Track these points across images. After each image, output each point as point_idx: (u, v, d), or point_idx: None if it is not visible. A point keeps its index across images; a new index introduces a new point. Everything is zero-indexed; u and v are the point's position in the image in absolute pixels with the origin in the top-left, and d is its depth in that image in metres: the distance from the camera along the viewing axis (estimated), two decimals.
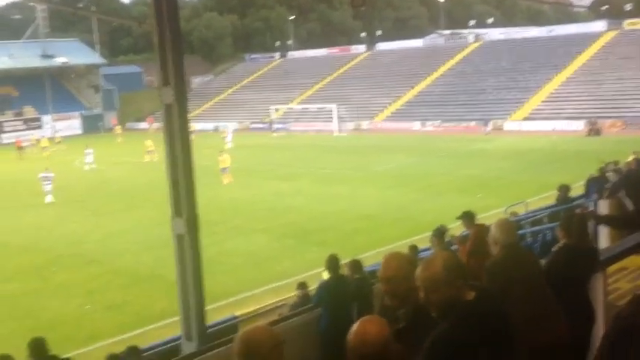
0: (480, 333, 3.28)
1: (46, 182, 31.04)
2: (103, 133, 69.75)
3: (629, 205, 9.44)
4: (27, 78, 71.86)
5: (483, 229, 8.26)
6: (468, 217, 9.74)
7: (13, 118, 69.38)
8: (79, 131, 71.87)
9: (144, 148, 43.14)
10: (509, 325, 3.48)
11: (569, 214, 6.72)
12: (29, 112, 70.67)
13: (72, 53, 75.05)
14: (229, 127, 54.11)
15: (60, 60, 73.12)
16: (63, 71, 75.93)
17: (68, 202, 30.64)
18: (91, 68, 77.03)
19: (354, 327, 3.08)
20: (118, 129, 63.86)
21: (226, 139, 48.72)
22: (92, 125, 72.29)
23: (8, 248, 23.03)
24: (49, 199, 30.68)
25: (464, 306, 3.31)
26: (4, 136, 66.38)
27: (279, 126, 61.04)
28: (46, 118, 70.77)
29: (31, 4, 72.15)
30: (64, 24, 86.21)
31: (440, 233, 9.96)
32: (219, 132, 53.17)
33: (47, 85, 71.87)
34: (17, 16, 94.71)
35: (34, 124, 69.60)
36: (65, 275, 19.42)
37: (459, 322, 3.26)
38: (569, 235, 5.59)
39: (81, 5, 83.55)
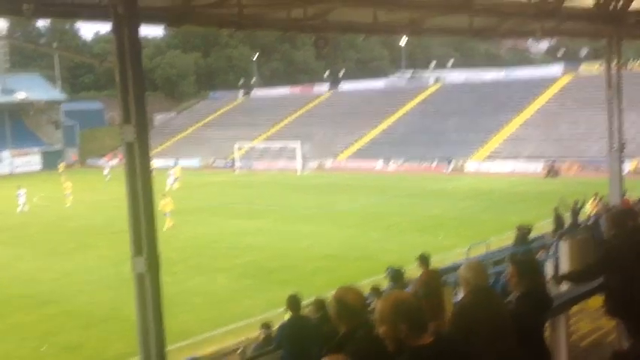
0: None
1: None
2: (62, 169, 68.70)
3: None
4: None
5: (432, 274, 8.28)
6: (422, 259, 9.84)
7: None
8: (39, 167, 70.69)
9: (63, 190, 41.32)
10: None
11: (519, 259, 6.65)
12: None
13: (32, 89, 74.13)
14: (175, 169, 48.83)
15: (20, 95, 72.14)
16: (23, 107, 74.82)
17: (21, 242, 30.01)
18: (52, 104, 76.06)
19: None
20: (61, 167, 61.74)
21: (168, 182, 45.17)
22: (52, 161, 71.05)
23: None
24: None
25: (417, 350, 3.38)
26: None
27: (242, 164, 60.94)
28: (5, 154, 69.50)
29: None
30: (24, 59, 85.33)
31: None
32: (168, 170, 47.81)
33: (6, 120, 70.75)
34: None
35: None
36: (19, 316, 18.85)
37: None
38: (528, 283, 5.41)
39: (42, 41, 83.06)
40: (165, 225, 28.84)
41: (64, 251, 27.53)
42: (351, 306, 3.96)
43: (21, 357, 15.63)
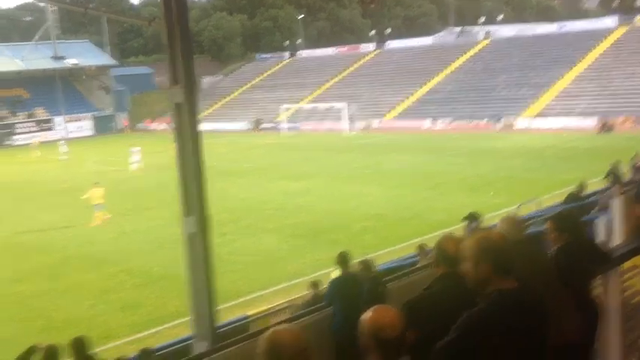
0: (514, 323, 3.36)
1: None
2: (113, 134, 70.09)
3: None
4: (38, 80, 72.29)
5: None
6: (471, 216, 9.76)
7: (25, 120, 69.78)
8: (91, 132, 72.26)
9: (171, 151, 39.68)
10: (543, 324, 3.51)
11: (558, 214, 6.56)
12: (41, 113, 71.09)
13: (82, 55, 75.37)
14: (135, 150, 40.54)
15: (71, 61, 73.43)
16: (74, 73, 76.27)
17: (81, 203, 30.77)
18: (102, 69, 77.30)
19: (368, 314, 3.10)
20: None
21: (131, 159, 40.38)
22: (104, 126, 72.60)
23: (20, 248, 23.16)
24: None
25: (501, 294, 3.39)
26: (16, 137, 66.67)
27: (289, 125, 61.08)
28: (58, 120, 71.14)
29: (42, 5, 72.39)
30: (74, 26, 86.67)
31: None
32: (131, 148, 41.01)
33: (58, 86, 72.24)
34: (28, 18, 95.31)
35: (46, 125, 69.99)
36: (77, 276, 19.48)
37: (493, 309, 3.35)
38: (567, 236, 5.41)
39: (91, 6, 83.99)
40: (95, 219, 26.03)
41: (121, 212, 28.19)
42: (444, 252, 4.15)
43: (79, 314, 16.15)
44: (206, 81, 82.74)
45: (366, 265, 8.75)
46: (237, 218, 24.86)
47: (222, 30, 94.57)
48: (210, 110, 72.60)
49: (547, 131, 46.80)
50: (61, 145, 51.10)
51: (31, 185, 37.54)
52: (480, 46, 69.00)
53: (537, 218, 15.64)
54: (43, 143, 57.36)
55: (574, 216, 6.24)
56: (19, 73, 70.69)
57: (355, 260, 9.39)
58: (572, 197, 15.71)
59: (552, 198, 20.88)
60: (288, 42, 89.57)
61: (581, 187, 16.47)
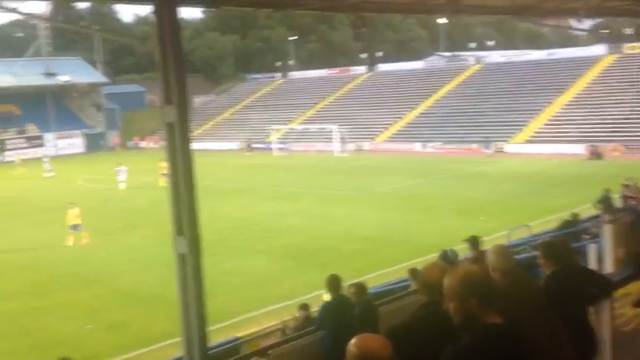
0: (499, 357, 3.35)
1: None
2: (104, 151, 69.91)
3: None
4: (29, 96, 72.12)
5: (483, 257, 8.21)
6: (472, 241, 9.73)
7: (15, 136, 69.54)
8: (82, 149, 72.02)
9: (158, 170, 37.60)
10: (527, 357, 3.50)
11: (548, 241, 6.59)
12: (32, 130, 70.86)
13: (74, 72, 75.34)
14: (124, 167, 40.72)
15: (62, 78, 73.38)
16: (65, 90, 76.15)
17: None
18: (94, 87, 77.28)
19: (355, 341, 3.06)
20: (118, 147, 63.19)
21: (119, 178, 40.06)
22: (95, 144, 72.41)
23: (8, 266, 22.93)
24: None
25: (486, 328, 3.38)
26: (6, 153, 66.34)
27: (280, 146, 61.14)
28: (49, 136, 70.93)
29: (34, 22, 72.46)
30: (66, 42, 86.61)
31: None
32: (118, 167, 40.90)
33: (50, 103, 72.13)
34: (19, 34, 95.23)
35: (36, 142, 69.75)
36: (65, 294, 19.30)
37: (479, 342, 3.33)
38: (556, 262, 5.43)
39: (83, 24, 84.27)
40: (70, 240, 25.38)
41: (110, 231, 28.02)
42: (426, 280, 4.17)
43: (67, 334, 15.98)
44: (198, 100, 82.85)
45: (359, 288, 8.71)
46: (227, 238, 24.78)
47: (214, 50, 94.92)
48: (201, 129, 72.62)
49: (537, 157, 47.07)
50: (45, 162, 50.84)
51: (18, 202, 37.29)
52: (470, 71, 69.54)
53: (527, 244, 15.68)
54: (27, 160, 57.19)
55: (564, 243, 6.25)
56: (10, 89, 70.48)
57: (346, 283, 9.35)
58: (567, 224, 15.75)
59: (542, 224, 20.94)
60: (279, 63, 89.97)
61: (576, 214, 16.55)
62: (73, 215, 25.89)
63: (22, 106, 71.97)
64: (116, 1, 12.16)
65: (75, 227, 25.69)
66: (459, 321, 3.46)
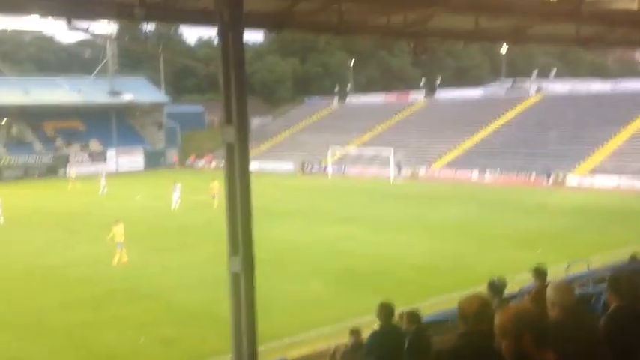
0: None
1: None
2: (163, 169, 71.33)
3: None
4: (94, 113, 74.33)
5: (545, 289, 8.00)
6: (538, 272, 9.57)
7: (79, 151, 71.58)
8: (141, 166, 73.63)
9: (210, 191, 38.92)
10: None
11: (616, 274, 6.40)
12: (95, 145, 72.93)
13: (138, 91, 77.38)
14: (178, 185, 40.56)
15: (126, 97, 75.43)
16: (129, 108, 78.22)
17: (128, 237, 31.22)
18: (156, 106, 79.16)
19: None
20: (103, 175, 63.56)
21: (173, 198, 40.03)
22: (154, 161, 73.97)
23: (67, 280, 23.52)
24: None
25: None
26: (69, 168, 68.14)
27: (335, 169, 61.25)
28: (111, 153, 72.83)
29: (102, 42, 74.80)
30: (132, 62, 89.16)
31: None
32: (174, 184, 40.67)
33: (113, 120, 74.12)
34: (88, 53, 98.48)
35: (98, 157, 71.70)
36: (120, 308, 19.66)
37: None
38: (620, 297, 5.29)
39: (149, 44, 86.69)
40: (116, 257, 25.54)
41: (165, 248, 28.51)
42: (462, 311, 4.15)
43: (120, 347, 16.25)
44: (256, 122, 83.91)
45: (410, 316, 8.59)
46: (281, 259, 24.84)
47: (273, 73, 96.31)
48: (258, 150, 73.45)
49: (598, 189, 45.87)
50: (102, 178, 51.52)
51: (78, 217, 38.20)
52: (531, 101, 68.51)
53: (587, 278, 15.25)
54: (87, 176, 58.43)
55: (629, 279, 6.03)
56: (76, 105, 72.82)
57: (398, 310, 9.24)
58: (633, 260, 15.23)
59: (602, 258, 20.33)
60: (337, 87, 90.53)
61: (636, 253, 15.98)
62: (119, 233, 25.89)
63: (86, 122, 74.21)
64: (182, 22, 12.44)
65: (119, 244, 25.75)
66: (513, 358, 3.38)
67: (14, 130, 70.92)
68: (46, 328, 17.94)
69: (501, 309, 3.55)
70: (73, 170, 60.11)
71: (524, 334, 3.31)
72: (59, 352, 16.06)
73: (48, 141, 71.22)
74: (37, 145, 70.41)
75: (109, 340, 16.84)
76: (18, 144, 69.35)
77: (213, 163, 69.12)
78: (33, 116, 71.00)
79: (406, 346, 7.82)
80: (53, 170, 66.85)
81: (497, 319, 3.42)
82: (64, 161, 68.91)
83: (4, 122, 70.36)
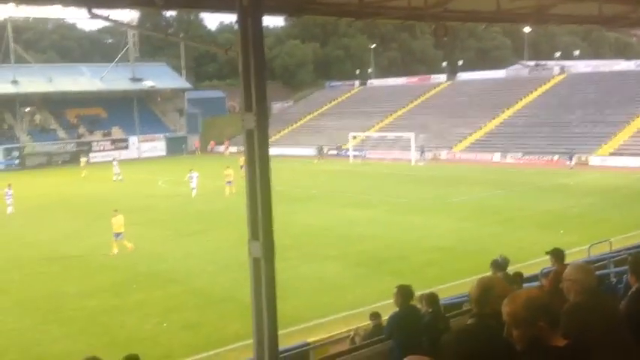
0: None
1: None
2: (185, 155, 71.73)
3: None
4: (116, 100, 74.85)
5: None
6: (556, 254, 9.50)
7: (101, 139, 72.25)
8: (164, 153, 74.10)
9: (223, 178, 39.06)
10: None
11: (638, 255, 6.31)
12: (117, 132, 73.51)
13: (159, 77, 77.75)
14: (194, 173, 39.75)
15: (148, 83, 75.85)
16: (150, 94, 78.68)
17: (150, 222, 31.50)
18: (177, 92, 79.54)
19: None
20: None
21: (191, 185, 39.57)
22: (176, 147, 74.38)
23: (90, 266, 23.83)
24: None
25: (551, 351, 3.25)
26: (92, 155, 68.78)
27: (356, 153, 61.17)
28: (133, 139, 73.36)
29: (123, 29, 75.14)
30: (153, 49, 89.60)
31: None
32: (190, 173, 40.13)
33: (135, 107, 74.59)
34: (109, 40, 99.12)
35: (121, 144, 72.31)
36: (143, 293, 19.90)
37: None
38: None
39: (170, 32, 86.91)
40: (114, 248, 25.20)
41: (188, 233, 28.76)
42: (471, 294, 4.39)
43: (143, 332, 16.47)
44: (276, 107, 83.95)
45: (428, 299, 8.64)
46: (301, 244, 24.95)
47: (294, 57, 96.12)
48: (278, 135, 73.52)
49: (622, 170, 45.34)
50: (115, 165, 51.20)
51: (100, 203, 38.48)
52: (554, 81, 67.72)
53: (608, 260, 15.16)
54: (106, 163, 58.59)
55: None
56: (98, 92, 73.38)
57: (418, 293, 9.28)
58: None
59: (625, 239, 20.17)
60: (358, 70, 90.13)
61: None
62: (118, 224, 25.55)
63: (108, 109, 74.76)
64: (201, 9, 12.47)
65: (117, 235, 25.38)
66: (523, 347, 3.37)
67: (37, 117, 71.69)
68: (68, 314, 18.17)
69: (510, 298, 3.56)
70: (83, 159, 59.93)
71: (538, 320, 3.31)
72: (81, 337, 16.30)
73: (71, 128, 71.94)
74: (60, 133, 71.17)
75: (132, 325, 17.07)
76: (41, 131, 70.13)
77: (231, 149, 69.37)
78: (56, 104, 71.73)
79: (424, 327, 7.87)
80: (76, 157, 67.54)
81: (507, 308, 3.41)
82: (87, 148, 69.56)
83: (27, 110, 71.15)
